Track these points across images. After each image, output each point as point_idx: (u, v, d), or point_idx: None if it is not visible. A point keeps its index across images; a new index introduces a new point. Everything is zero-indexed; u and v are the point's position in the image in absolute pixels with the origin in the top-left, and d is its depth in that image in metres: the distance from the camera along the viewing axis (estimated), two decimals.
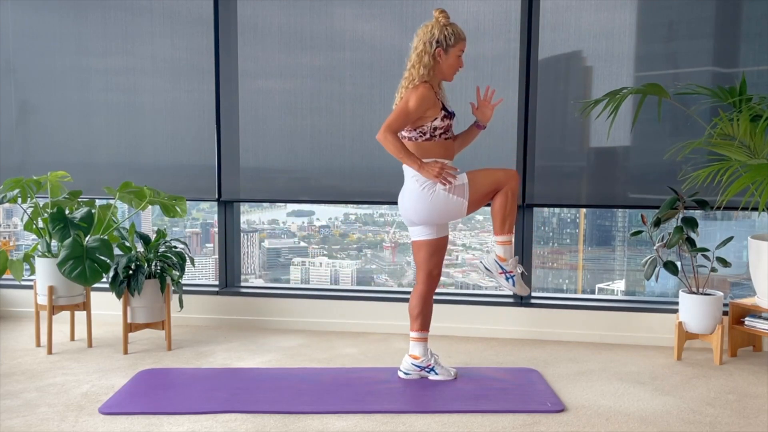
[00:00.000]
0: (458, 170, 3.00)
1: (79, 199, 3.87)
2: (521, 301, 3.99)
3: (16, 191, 3.68)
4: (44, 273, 3.59)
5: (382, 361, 3.50)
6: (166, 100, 4.20)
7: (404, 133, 3.00)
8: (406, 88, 2.96)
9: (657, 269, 3.56)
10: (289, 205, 4.70)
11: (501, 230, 3.01)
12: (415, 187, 2.99)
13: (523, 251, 4.00)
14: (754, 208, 3.51)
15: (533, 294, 4.06)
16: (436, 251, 3.12)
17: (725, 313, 3.60)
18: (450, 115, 3.01)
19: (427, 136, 2.97)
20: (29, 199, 3.72)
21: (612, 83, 3.76)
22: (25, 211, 3.79)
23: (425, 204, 2.98)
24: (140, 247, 3.68)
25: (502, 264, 3.03)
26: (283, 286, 4.46)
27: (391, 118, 2.89)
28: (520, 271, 3.05)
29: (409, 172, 3.01)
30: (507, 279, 3.05)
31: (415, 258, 3.17)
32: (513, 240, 3.08)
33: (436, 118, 2.95)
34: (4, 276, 3.96)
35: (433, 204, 2.97)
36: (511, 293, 4.05)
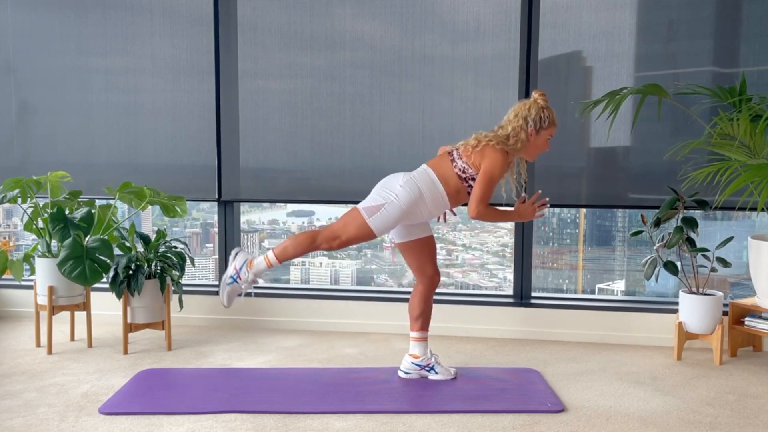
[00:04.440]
0: (540, 192, 3.06)
1: (79, 199, 3.87)
2: (521, 301, 3.99)
3: (16, 191, 3.68)
4: (44, 273, 3.59)
5: (382, 361, 3.50)
6: (166, 100, 4.20)
7: (460, 163, 2.94)
8: (493, 144, 2.90)
9: (657, 269, 3.56)
10: (289, 205, 4.70)
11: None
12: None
13: (523, 251, 4.00)
14: (753, 208, 3.52)
15: (533, 294, 4.06)
16: (415, 251, 3.13)
17: (725, 313, 3.60)
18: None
19: (463, 187, 2.96)
20: (29, 199, 3.72)
21: (612, 83, 3.76)
22: (25, 211, 3.79)
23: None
24: (140, 247, 3.67)
25: None
26: (283, 286, 4.45)
27: (481, 193, 2.88)
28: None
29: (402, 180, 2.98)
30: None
31: (404, 260, 3.22)
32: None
33: None
34: (4, 276, 3.96)
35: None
36: (511, 293, 4.07)
